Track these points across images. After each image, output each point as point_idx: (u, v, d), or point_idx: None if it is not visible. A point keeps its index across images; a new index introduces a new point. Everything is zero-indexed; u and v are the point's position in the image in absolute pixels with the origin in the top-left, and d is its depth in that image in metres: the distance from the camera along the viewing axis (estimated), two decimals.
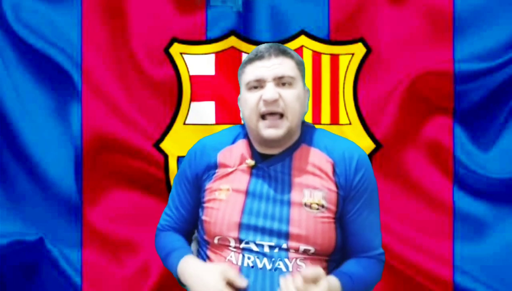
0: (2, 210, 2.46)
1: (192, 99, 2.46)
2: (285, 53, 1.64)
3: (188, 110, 2.46)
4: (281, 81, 1.61)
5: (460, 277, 2.40)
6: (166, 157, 2.44)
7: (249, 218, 1.61)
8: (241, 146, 1.69)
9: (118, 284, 2.47)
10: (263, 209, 1.62)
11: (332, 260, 1.65)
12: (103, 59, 2.46)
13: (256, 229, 1.60)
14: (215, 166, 1.68)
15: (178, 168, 1.88)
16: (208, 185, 1.68)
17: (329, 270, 1.63)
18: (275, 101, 1.59)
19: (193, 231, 1.81)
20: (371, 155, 2.44)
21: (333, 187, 1.62)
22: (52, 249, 2.43)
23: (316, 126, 2.41)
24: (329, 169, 1.62)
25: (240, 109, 1.68)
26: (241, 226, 1.61)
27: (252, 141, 1.68)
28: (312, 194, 1.61)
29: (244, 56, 2.20)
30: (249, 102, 1.62)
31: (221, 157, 1.68)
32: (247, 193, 1.63)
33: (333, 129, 2.44)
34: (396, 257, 2.40)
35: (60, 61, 2.44)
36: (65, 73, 2.45)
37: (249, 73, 1.63)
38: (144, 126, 2.46)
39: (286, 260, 1.58)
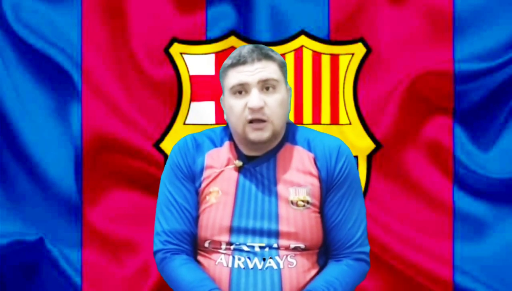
0: (2, 210, 2.46)
1: (192, 99, 2.46)
2: (267, 56, 1.63)
3: (188, 110, 2.46)
4: (265, 85, 1.61)
5: (460, 277, 2.40)
6: (166, 157, 2.44)
7: (239, 221, 1.61)
8: (227, 148, 1.68)
9: (118, 284, 2.47)
10: (252, 209, 1.62)
11: (320, 252, 1.67)
12: (103, 59, 2.46)
13: (246, 231, 1.61)
14: (202, 166, 1.66)
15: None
16: (198, 187, 1.66)
17: (319, 264, 1.66)
18: (260, 109, 1.58)
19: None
20: (371, 155, 2.44)
21: (316, 182, 1.63)
22: (52, 249, 2.43)
23: (316, 126, 2.43)
24: (311, 164, 1.64)
25: (224, 110, 1.69)
26: (232, 229, 1.61)
27: (238, 143, 1.67)
28: (297, 191, 1.62)
29: None
30: (234, 109, 1.62)
31: (208, 158, 1.67)
32: (236, 195, 1.63)
33: (333, 129, 2.44)
34: (396, 257, 2.40)
35: (60, 61, 2.44)
36: (65, 73, 2.45)
37: (232, 77, 1.62)
38: (144, 126, 2.45)
39: (277, 257, 1.60)
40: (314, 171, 1.64)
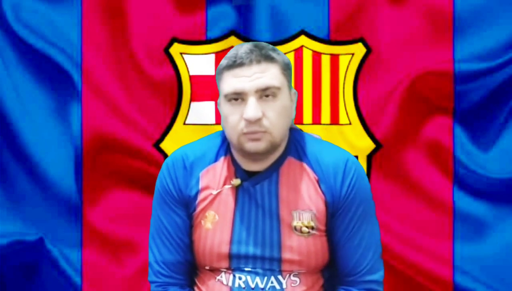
0: (2, 210, 2.46)
1: (192, 99, 2.46)
2: (268, 58, 1.46)
3: (188, 110, 2.46)
4: (264, 93, 1.45)
5: (460, 277, 2.40)
6: (166, 157, 2.44)
7: (238, 248, 1.51)
8: (224, 164, 1.54)
9: (118, 284, 2.47)
10: (252, 235, 1.50)
11: (324, 270, 1.58)
12: (103, 59, 2.46)
13: (247, 257, 1.51)
14: (197, 189, 1.54)
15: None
16: (192, 211, 1.55)
17: (323, 276, 1.58)
18: (258, 121, 1.43)
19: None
20: (371, 155, 2.44)
21: (322, 205, 1.51)
22: (52, 249, 2.43)
23: (316, 126, 2.43)
24: (316, 186, 1.51)
25: (221, 115, 1.54)
26: (231, 256, 1.51)
27: (235, 156, 1.53)
28: (301, 216, 1.50)
29: None
30: (229, 119, 1.46)
31: (203, 178, 1.53)
32: (233, 219, 1.51)
33: (333, 129, 2.44)
34: (396, 257, 2.40)
35: (60, 61, 2.44)
36: (65, 73, 2.44)
37: (228, 83, 1.47)
38: (144, 126, 2.45)
39: (279, 277, 1.51)
40: (320, 193, 1.51)
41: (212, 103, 2.45)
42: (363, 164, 2.43)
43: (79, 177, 2.46)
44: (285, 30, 2.45)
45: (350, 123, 2.45)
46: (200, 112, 2.46)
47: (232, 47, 2.41)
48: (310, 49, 2.45)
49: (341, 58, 2.44)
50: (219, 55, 2.44)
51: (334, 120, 2.45)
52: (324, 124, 2.44)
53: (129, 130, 2.45)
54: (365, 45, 2.43)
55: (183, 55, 2.46)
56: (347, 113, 2.44)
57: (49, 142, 2.47)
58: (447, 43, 2.42)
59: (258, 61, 1.45)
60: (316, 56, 2.45)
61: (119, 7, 2.45)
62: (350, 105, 2.45)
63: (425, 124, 2.44)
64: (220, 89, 1.52)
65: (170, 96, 2.46)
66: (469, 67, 2.40)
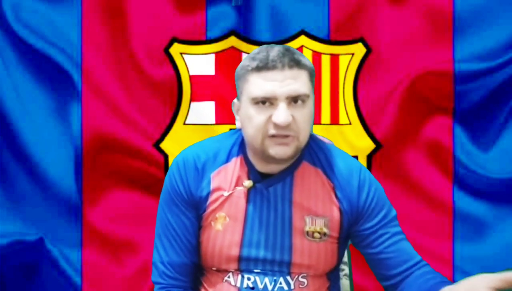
0: (2, 210, 2.46)
1: (192, 99, 2.46)
2: (299, 64, 1.42)
3: (188, 110, 2.46)
4: (293, 99, 1.41)
5: (460, 277, 2.39)
6: (166, 157, 2.44)
7: (249, 250, 1.49)
8: (236, 164, 1.51)
9: (118, 284, 2.47)
10: (263, 238, 1.49)
11: (330, 273, 1.58)
12: (103, 59, 2.46)
13: (256, 260, 1.49)
14: (208, 189, 1.51)
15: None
16: (202, 212, 1.52)
17: (329, 279, 1.58)
18: (288, 125, 1.40)
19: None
20: (371, 155, 2.44)
21: (336, 212, 1.50)
22: (52, 249, 2.43)
23: (316, 126, 2.43)
24: (330, 193, 1.51)
25: (236, 117, 1.50)
26: (240, 259, 1.49)
27: (251, 157, 1.50)
28: (314, 221, 1.49)
29: (244, 56, 2.18)
30: (255, 121, 1.41)
31: (215, 179, 1.50)
32: (245, 221, 1.49)
33: (333, 129, 2.44)
34: None
35: (60, 61, 2.44)
36: (65, 73, 2.45)
37: (257, 86, 1.41)
38: (144, 126, 2.46)
39: (288, 277, 1.50)
40: (334, 200, 1.50)
41: (212, 103, 2.45)
42: (363, 164, 2.43)
43: (79, 177, 2.46)
44: (285, 30, 2.45)
45: (350, 123, 2.45)
46: (200, 112, 2.46)
47: (232, 47, 2.44)
48: (310, 49, 2.45)
49: (341, 58, 2.45)
50: (219, 55, 2.44)
51: (334, 120, 2.45)
52: (324, 124, 2.44)
53: (129, 130, 2.45)
54: (365, 45, 2.43)
55: (183, 55, 2.46)
56: (347, 113, 2.44)
57: (49, 142, 2.47)
58: (447, 43, 2.42)
59: (291, 66, 1.41)
60: (316, 56, 2.45)
61: (119, 7, 2.45)
62: (350, 105, 2.45)
63: (425, 124, 2.45)
64: (245, 90, 1.45)
65: (170, 96, 2.46)
66: (469, 67, 2.40)
